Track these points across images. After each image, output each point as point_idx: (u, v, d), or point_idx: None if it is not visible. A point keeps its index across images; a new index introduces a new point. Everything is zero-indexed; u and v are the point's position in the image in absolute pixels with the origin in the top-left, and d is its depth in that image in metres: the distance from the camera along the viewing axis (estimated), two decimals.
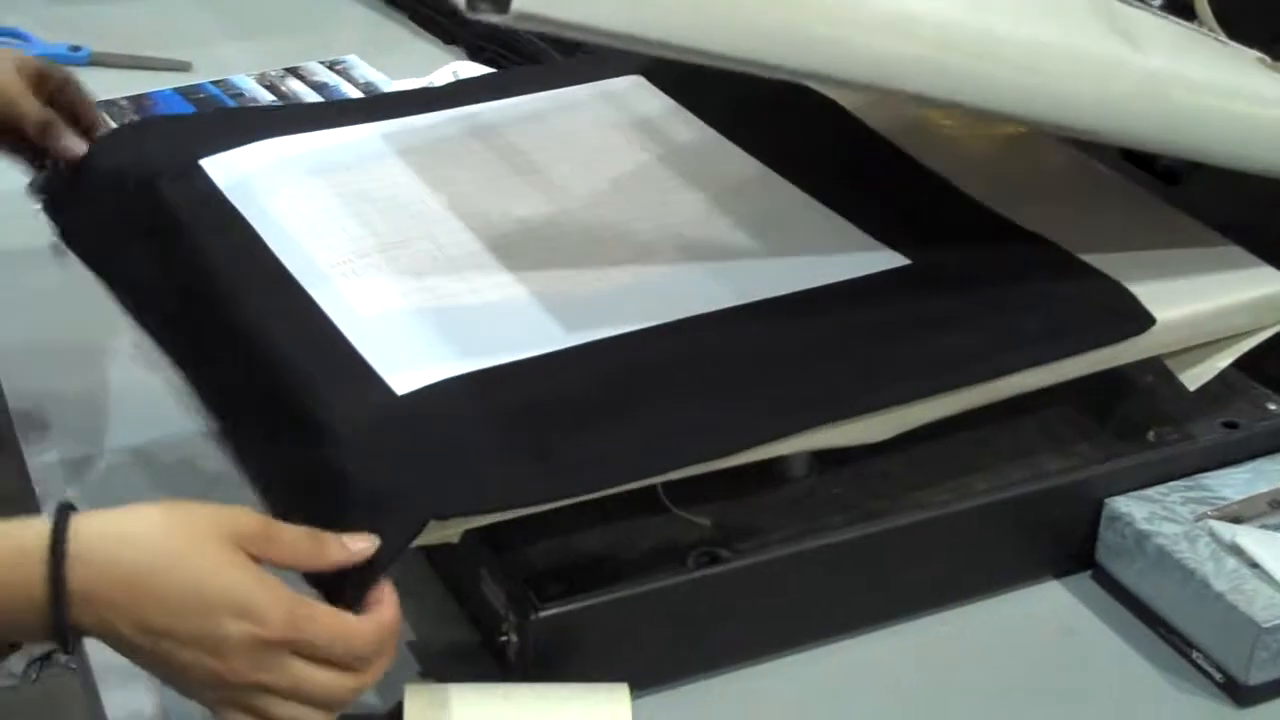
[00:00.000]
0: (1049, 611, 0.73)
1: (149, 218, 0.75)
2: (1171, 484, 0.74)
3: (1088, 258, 0.72)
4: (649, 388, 0.64)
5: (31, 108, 0.78)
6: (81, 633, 0.55)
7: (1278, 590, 0.68)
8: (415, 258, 0.71)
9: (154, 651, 0.54)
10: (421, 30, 1.22)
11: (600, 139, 0.81)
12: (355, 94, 1.13)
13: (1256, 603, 0.67)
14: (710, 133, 0.82)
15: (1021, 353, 0.67)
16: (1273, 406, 0.76)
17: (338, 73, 1.16)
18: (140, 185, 0.76)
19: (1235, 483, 0.74)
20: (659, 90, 0.85)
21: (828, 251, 0.72)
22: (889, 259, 0.71)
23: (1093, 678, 0.70)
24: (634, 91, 0.85)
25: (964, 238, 0.73)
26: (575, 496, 0.61)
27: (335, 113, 0.85)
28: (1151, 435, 0.75)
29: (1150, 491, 0.73)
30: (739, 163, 0.79)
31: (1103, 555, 0.74)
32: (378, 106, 0.86)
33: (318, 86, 1.14)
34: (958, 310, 0.68)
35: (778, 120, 0.81)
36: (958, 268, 0.71)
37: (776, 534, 0.68)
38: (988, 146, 0.84)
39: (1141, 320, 0.69)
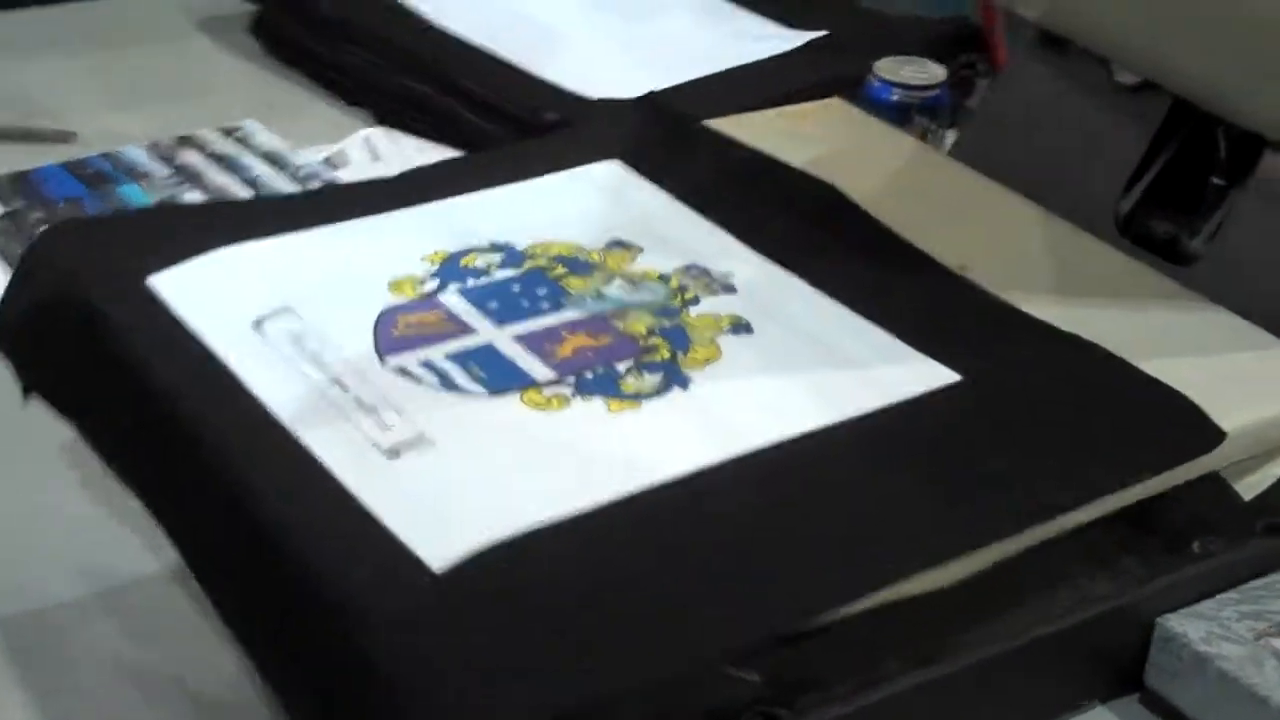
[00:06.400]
0: None
1: (97, 348, 0.66)
2: (1222, 598, 0.69)
3: (1137, 363, 0.68)
4: (699, 549, 0.57)
5: None
6: None
7: None
8: (413, 395, 0.63)
9: None
10: (322, 92, 1.13)
11: (591, 243, 0.74)
12: (258, 164, 1.05)
13: None
14: (708, 227, 0.75)
15: (1097, 481, 0.62)
16: None
17: (237, 140, 1.07)
18: (81, 311, 0.68)
19: None
20: (642, 177, 0.79)
21: (869, 367, 0.66)
22: (938, 374, 0.66)
23: None
24: (616, 180, 0.78)
25: (1008, 346, 0.68)
26: (638, 688, 0.54)
27: (290, 211, 0.76)
28: (1196, 546, 0.70)
29: (1202, 608, 0.69)
30: (750, 264, 0.73)
31: (1154, 678, 0.69)
32: (337, 202, 0.77)
33: (217, 157, 1.05)
34: (1025, 434, 0.63)
35: (778, 212, 0.76)
36: (1013, 383, 0.66)
37: (834, 688, 0.61)
38: (991, 232, 0.79)
39: (1210, 435, 0.64)
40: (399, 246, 0.72)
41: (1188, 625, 0.68)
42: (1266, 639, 0.67)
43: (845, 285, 0.71)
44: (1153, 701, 0.69)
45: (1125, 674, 0.69)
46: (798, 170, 0.79)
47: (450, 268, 0.71)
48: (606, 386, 0.64)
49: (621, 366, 0.66)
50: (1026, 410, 0.65)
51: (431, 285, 0.70)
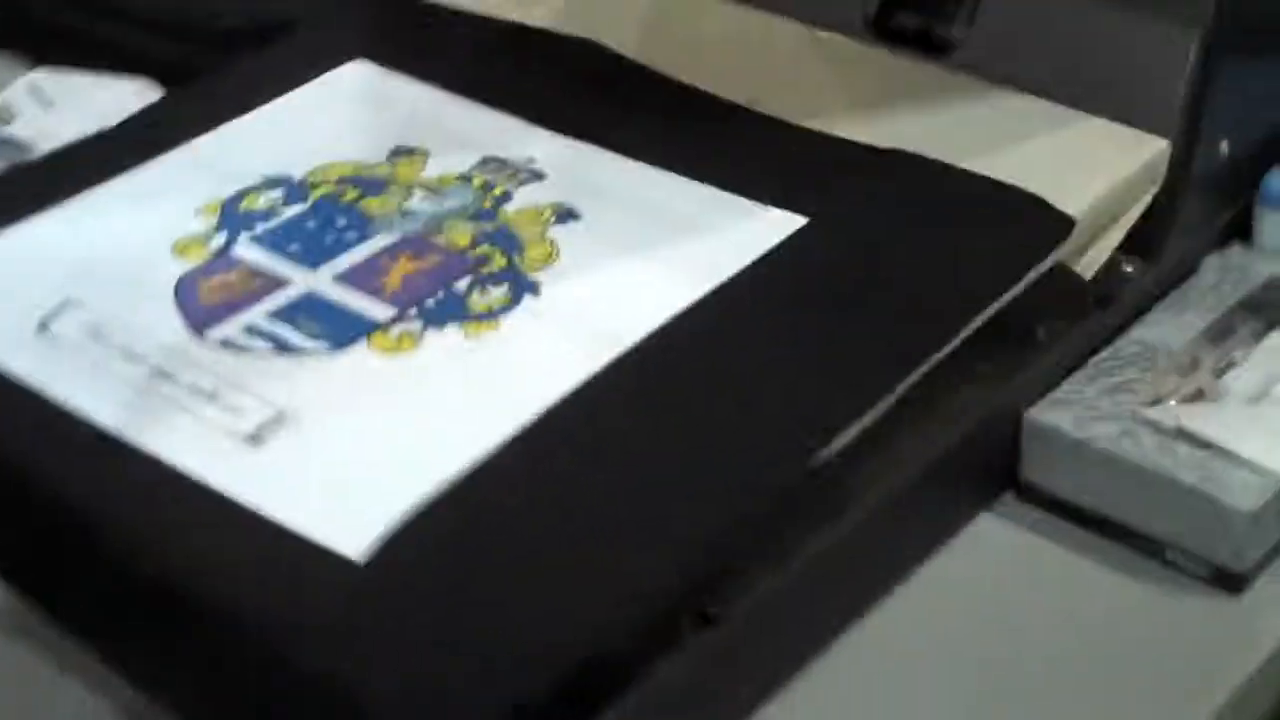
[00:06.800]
0: (995, 549, 0.67)
1: None
2: (1077, 378, 0.69)
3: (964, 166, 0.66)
4: (619, 467, 0.54)
5: None
6: None
7: (1242, 466, 0.65)
8: (250, 369, 0.57)
9: None
10: None
11: (373, 157, 0.68)
12: None
13: (1229, 486, 0.64)
14: (488, 114, 0.70)
15: (973, 294, 0.61)
16: (1129, 269, 0.73)
17: None
18: None
19: (1134, 359, 0.70)
20: (397, 72, 0.72)
21: (712, 229, 0.63)
22: (783, 221, 0.63)
23: (1068, 603, 0.65)
24: (370, 81, 0.71)
25: (840, 175, 0.66)
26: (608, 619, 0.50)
27: (14, 192, 0.68)
28: (1041, 333, 0.70)
29: (1062, 393, 0.69)
30: (548, 144, 0.68)
31: (1029, 472, 0.69)
32: (67, 170, 0.69)
33: None
34: (890, 263, 0.61)
35: (552, 83, 0.71)
36: (861, 214, 0.63)
37: (749, 570, 0.58)
38: (767, 61, 0.75)
39: (1062, 225, 0.63)
40: (167, 205, 0.65)
41: (1056, 414, 0.68)
42: (1137, 410, 0.68)
43: (651, 147, 0.67)
44: (1030, 494, 0.69)
45: (1001, 474, 0.69)
46: (555, 34, 0.74)
47: (232, 216, 0.64)
48: (454, 311, 0.59)
49: (461, 285, 0.61)
50: (882, 239, 0.62)
51: (219, 240, 0.63)
